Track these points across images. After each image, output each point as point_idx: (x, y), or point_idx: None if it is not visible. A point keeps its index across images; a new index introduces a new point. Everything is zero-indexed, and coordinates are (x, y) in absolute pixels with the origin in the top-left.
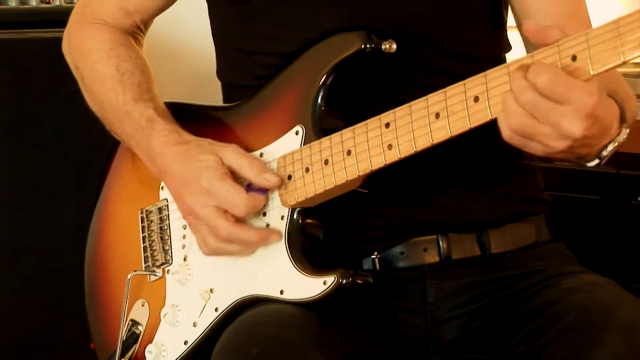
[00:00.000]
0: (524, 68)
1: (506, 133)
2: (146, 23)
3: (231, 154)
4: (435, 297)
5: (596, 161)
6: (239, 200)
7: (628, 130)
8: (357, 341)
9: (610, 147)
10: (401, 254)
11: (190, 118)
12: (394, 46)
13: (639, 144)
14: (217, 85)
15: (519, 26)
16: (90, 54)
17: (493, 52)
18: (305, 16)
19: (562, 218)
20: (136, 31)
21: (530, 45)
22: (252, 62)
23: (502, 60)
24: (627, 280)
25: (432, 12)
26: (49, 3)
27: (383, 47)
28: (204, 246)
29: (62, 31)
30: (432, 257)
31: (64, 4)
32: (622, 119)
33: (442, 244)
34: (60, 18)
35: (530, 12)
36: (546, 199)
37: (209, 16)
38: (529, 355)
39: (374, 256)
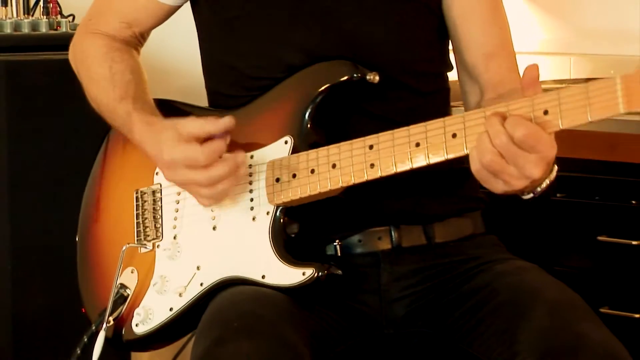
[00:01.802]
0: (501, 115)
1: (475, 167)
2: (144, 34)
3: (187, 122)
4: (387, 280)
5: (531, 195)
6: (196, 154)
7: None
8: (323, 318)
9: (544, 185)
10: (359, 242)
11: (183, 115)
12: (377, 78)
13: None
14: (205, 101)
15: (455, 51)
16: (88, 59)
17: (441, 70)
18: (280, 34)
19: (496, 213)
20: (134, 41)
21: (463, 71)
22: (237, 75)
23: (446, 78)
24: (548, 264)
25: (396, 35)
26: (56, 30)
27: (367, 77)
28: (203, 200)
29: (68, 54)
30: (385, 245)
31: (69, 31)
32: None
33: (394, 233)
34: (67, 42)
35: (466, 40)
36: (482, 197)
37: (196, 29)
38: (466, 329)
39: (336, 243)
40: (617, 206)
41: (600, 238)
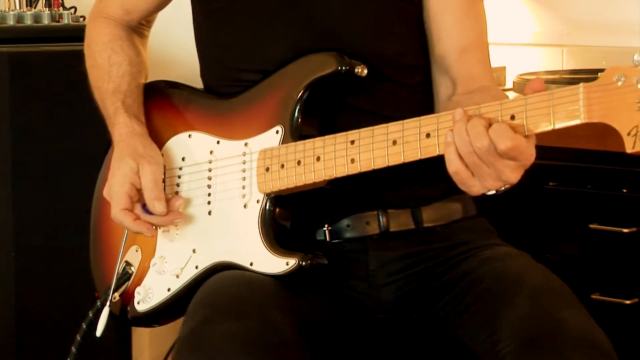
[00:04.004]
0: (485, 118)
1: (453, 168)
2: (147, 20)
3: (147, 172)
4: (375, 265)
5: (493, 192)
6: (116, 207)
7: None
8: (313, 302)
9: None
10: (347, 227)
11: (184, 98)
12: (365, 71)
13: (549, 137)
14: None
15: (429, 43)
16: (92, 44)
17: (425, 62)
18: (262, 26)
19: (487, 202)
20: (138, 26)
21: (434, 63)
22: (222, 67)
23: (429, 70)
24: (541, 251)
25: (375, 28)
26: (58, 22)
27: (356, 70)
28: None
29: (70, 45)
30: (373, 230)
31: (71, 23)
32: None
33: (382, 218)
34: (68, 34)
35: (439, 32)
36: None
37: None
38: (453, 316)
39: (325, 228)
40: (609, 195)
41: (591, 226)
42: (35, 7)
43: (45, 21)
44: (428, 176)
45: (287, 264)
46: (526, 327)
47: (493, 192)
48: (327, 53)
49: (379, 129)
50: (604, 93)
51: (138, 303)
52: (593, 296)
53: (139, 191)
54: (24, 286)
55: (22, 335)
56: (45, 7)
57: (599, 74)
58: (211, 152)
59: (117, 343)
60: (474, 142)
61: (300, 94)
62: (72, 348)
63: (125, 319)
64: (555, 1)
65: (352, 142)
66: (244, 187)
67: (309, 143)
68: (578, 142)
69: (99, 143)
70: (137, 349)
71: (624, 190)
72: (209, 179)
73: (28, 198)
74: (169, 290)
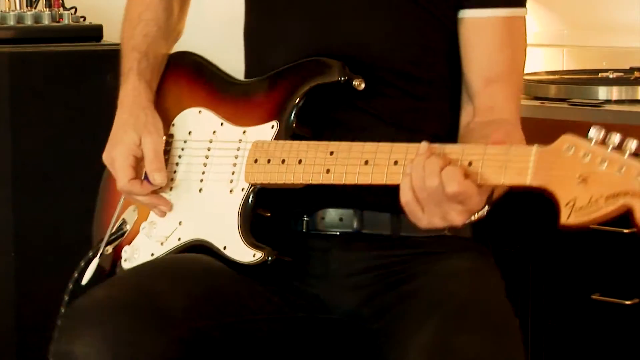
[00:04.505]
0: (442, 157)
1: (405, 198)
2: None
3: (148, 143)
4: (336, 266)
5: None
6: (119, 184)
7: (489, 208)
8: (260, 291)
9: (470, 219)
10: (322, 219)
11: (204, 74)
12: (363, 85)
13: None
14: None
15: (461, 67)
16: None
17: (442, 77)
18: (282, 28)
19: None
20: None
21: (463, 88)
22: (246, 51)
23: (452, 87)
24: (541, 252)
25: (394, 38)
26: (59, 22)
27: (354, 82)
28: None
29: (71, 45)
30: (345, 227)
31: (72, 23)
32: (489, 199)
33: (356, 218)
34: (69, 34)
35: (468, 60)
36: None
37: None
38: (399, 329)
39: (304, 219)
40: None
41: (592, 226)
42: (35, 8)
43: (46, 21)
44: None
45: (254, 255)
46: (422, 355)
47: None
48: (332, 61)
49: (357, 146)
50: (553, 160)
51: (125, 261)
52: (593, 296)
53: (141, 162)
54: (24, 286)
55: (22, 335)
56: (45, 7)
57: (554, 142)
58: (214, 133)
59: None
60: (426, 179)
61: (298, 98)
62: (65, 296)
63: (113, 274)
64: (555, 1)
65: (331, 153)
66: (233, 173)
67: (296, 144)
68: None
69: (99, 143)
70: None
71: None
72: (206, 157)
73: (28, 198)
74: (152, 255)
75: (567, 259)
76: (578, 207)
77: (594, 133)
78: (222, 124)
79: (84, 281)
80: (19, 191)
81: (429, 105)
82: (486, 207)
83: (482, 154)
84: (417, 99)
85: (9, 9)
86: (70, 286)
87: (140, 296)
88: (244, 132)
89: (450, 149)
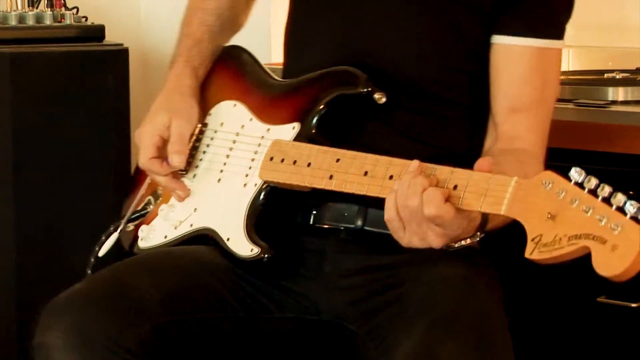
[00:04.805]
0: (428, 179)
1: (389, 214)
2: None
3: (175, 126)
4: (329, 268)
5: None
6: (141, 159)
7: (482, 235)
8: (254, 297)
9: (456, 245)
10: (328, 213)
11: (247, 69)
12: (384, 99)
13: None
14: None
15: (490, 92)
16: None
17: (468, 98)
18: (312, 37)
19: None
20: None
21: (490, 114)
22: (284, 51)
23: (476, 109)
24: None
25: (424, 57)
26: (60, 22)
27: (375, 96)
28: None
29: (73, 46)
30: (348, 222)
31: (74, 23)
32: (482, 228)
33: (360, 214)
34: (71, 35)
35: (496, 88)
36: None
37: None
38: (385, 334)
39: (312, 213)
40: None
41: None
42: (37, 8)
43: (47, 22)
44: None
45: (251, 250)
46: None
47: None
48: (358, 73)
49: (360, 156)
50: (530, 192)
51: (141, 240)
52: (599, 299)
53: (166, 143)
54: (25, 284)
55: (22, 335)
56: (47, 7)
57: (535, 176)
58: (242, 126)
59: None
60: (408, 198)
61: (321, 105)
62: (87, 270)
63: (130, 251)
64: None
65: (337, 160)
66: (250, 168)
67: (309, 147)
68: (585, 144)
69: (101, 143)
70: None
71: (631, 192)
72: (230, 149)
73: (29, 198)
74: (165, 237)
75: (572, 262)
76: (542, 243)
77: (574, 174)
78: (251, 119)
79: (101, 253)
80: (20, 191)
81: (449, 123)
82: (477, 234)
83: (467, 179)
84: (438, 116)
85: (10, 9)
86: (92, 260)
87: (114, 289)
88: (267, 129)
89: (440, 170)
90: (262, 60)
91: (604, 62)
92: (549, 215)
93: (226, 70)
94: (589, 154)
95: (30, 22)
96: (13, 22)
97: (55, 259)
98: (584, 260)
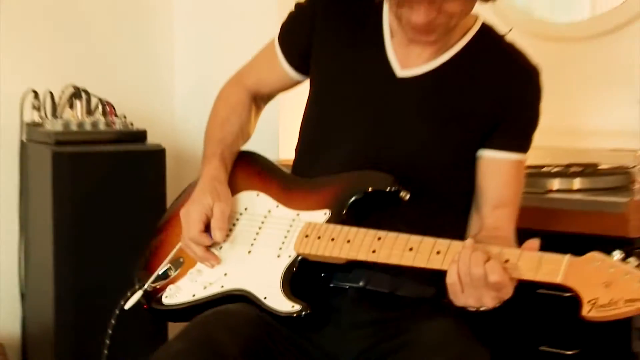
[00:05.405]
0: (486, 253)
1: (451, 279)
2: (269, 96)
3: (217, 207)
4: (346, 320)
5: (473, 308)
6: (190, 232)
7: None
8: (285, 347)
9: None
10: (336, 275)
11: (264, 167)
12: (408, 197)
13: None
14: None
15: (474, 189)
16: (222, 100)
17: (458, 195)
18: (333, 134)
19: None
20: (261, 98)
21: (474, 206)
22: (304, 144)
23: (463, 202)
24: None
25: (424, 152)
26: (111, 127)
27: (400, 194)
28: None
29: (120, 146)
30: (353, 282)
31: (122, 129)
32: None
33: (363, 276)
34: (120, 137)
35: (482, 189)
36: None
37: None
38: None
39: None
40: None
41: (540, 290)
42: (93, 116)
43: (101, 127)
44: (421, 276)
45: (292, 307)
46: None
47: (472, 308)
48: (385, 174)
49: (403, 236)
50: (583, 267)
51: (166, 297)
52: (541, 348)
53: (209, 221)
54: (64, 341)
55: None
56: (101, 115)
57: (585, 255)
58: (269, 211)
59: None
60: (472, 267)
61: (351, 196)
62: (112, 320)
63: (150, 306)
64: None
65: (379, 238)
66: (283, 243)
67: (346, 228)
68: (529, 225)
69: (140, 229)
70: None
71: None
72: (259, 228)
73: (68, 274)
74: (193, 295)
75: (517, 316)
76: (599, 304)
77: (618, 254)
78: (277, 205)
79: (127, 306)
80: (58, 261)
81: (438, 213)
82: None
83: (517, 255)
84: (432, 209)
85: (72, 117)
86: (117, 312)
87: (207, 346)
88: (297, 214)
89: (492, 248)
90: (271, 156)
91: (543, 159)
92: (605, 284)
93: (245, 166)
94: (533, 234)
95: (88, 127)
96: (74, 127)
97: (90, 247)
98: (528, 314)
